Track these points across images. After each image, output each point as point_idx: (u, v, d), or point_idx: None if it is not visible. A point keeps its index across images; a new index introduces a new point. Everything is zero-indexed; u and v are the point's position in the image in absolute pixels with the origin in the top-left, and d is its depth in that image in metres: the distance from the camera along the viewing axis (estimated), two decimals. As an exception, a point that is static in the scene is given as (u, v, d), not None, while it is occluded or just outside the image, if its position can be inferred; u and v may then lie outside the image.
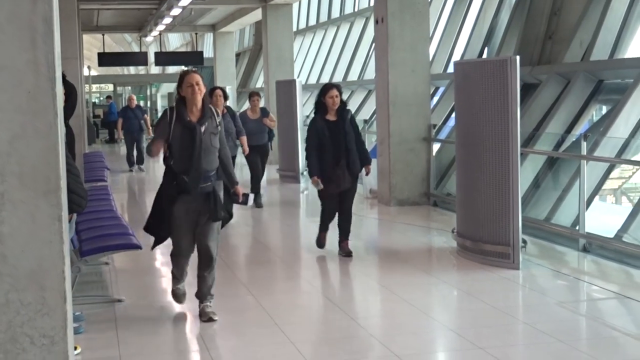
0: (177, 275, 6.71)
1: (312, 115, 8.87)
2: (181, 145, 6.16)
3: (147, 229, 6.53)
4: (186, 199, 6.25)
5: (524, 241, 8.30)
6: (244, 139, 11.61)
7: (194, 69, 6.33)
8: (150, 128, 20.52)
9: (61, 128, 2.68)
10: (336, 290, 7.69)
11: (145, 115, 19.86)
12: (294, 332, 6.08)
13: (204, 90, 6.18)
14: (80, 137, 15.43)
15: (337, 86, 8.72)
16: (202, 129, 6.17)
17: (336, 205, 8.76)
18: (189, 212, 6.30)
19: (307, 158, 8.75)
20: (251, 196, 6.79)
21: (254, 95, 13.03)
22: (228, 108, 11.51)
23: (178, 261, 6.61)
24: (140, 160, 19.33)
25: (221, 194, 6.37)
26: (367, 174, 9.03)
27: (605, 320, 6.50)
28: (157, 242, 6.63)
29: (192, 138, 6.12)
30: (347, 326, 6.30)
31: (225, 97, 11.09)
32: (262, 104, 13.65)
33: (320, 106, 8.61)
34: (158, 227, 6.44)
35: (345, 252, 8.66)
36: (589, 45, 11.43)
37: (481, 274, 7.88)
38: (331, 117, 8.54)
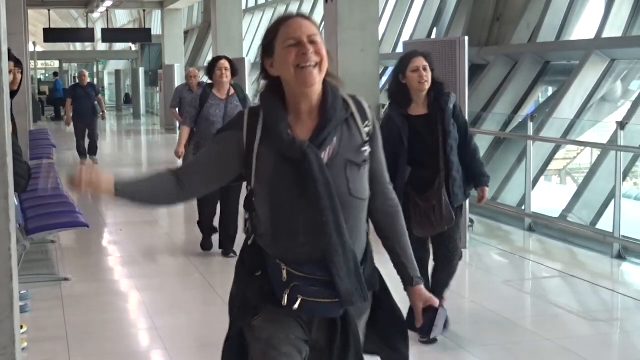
0: None
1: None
2: (274, 194, 2.66)
3: None
4: (281, 316, 2.71)
5: (471, 220, 8.39)
6: None
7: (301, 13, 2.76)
8: (106, 110, 19.07)
9: (7, 104, 2.63)
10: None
11: (99, 95, 16.61)
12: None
13: (326, 62, 2.67)
14: (26, 114, 15.17)
15: (424, 54, 5.03)
16: (325, 154, 2.65)
17: (426, 254, 5.26)
18: (295, 340, 2.74)
19: None
20: (443, 313, 2.89)
21: None
22: (237, 87, 7.67)
23: None
24: (93, 150, 16.02)
25: (362, 323, 2.89)
26: (480, 200, 5.48)
27: (550, 299, 6.60)
28: None
29: (300, 177, 2.60)
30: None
31: (234, 72, 7.51)
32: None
33: (399, 92, 5.02)
34: None
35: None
36: (536, 27, 11.56)
37: (429, 252, 7.94)
38: (418, 109, 5.02)
